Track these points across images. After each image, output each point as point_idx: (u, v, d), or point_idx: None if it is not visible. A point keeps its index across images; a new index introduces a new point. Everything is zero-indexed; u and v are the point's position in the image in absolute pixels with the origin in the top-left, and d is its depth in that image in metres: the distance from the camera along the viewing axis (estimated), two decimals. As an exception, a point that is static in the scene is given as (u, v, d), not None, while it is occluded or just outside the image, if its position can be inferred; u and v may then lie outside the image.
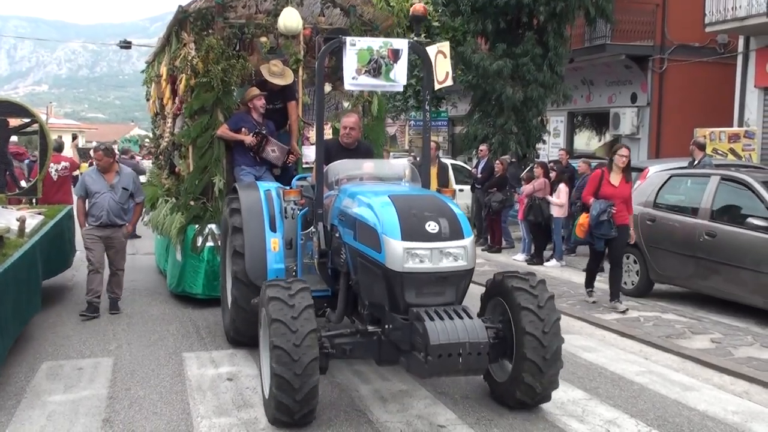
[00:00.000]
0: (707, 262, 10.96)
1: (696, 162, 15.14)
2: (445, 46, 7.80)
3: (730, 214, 11.26)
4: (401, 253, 6.21)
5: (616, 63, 26.24)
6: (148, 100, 14.60)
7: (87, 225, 10.66)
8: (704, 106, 24.88)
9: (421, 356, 5.99)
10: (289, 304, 6.28)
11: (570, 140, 30.12)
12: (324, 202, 7.69)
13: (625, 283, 12.82)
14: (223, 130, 10.54)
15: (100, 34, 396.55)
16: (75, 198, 11.11)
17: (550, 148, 28.14)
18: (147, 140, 20.88)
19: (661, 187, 12.71)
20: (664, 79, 25.83)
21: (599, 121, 29.02)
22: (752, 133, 21.55)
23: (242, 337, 8.76)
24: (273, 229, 8.44)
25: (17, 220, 9.86)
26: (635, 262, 12.74)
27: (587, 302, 11.93)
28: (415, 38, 7.73)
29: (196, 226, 10.78)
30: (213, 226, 10.69)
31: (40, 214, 11.49)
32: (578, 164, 18.07)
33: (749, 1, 21.41)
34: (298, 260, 8.06)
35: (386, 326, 6.51)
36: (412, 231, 6.30)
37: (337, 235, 7.32)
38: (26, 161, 16.83)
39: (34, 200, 13.38)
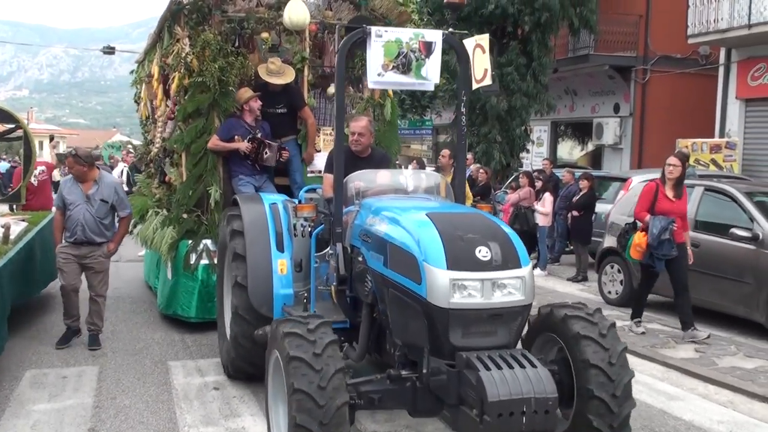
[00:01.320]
0: (691, 272, 10.16)
1: None
2: (485, 39, 6.44)
3: (714, 224, 11.02)
4: (447, 286, 4.90)
5: (599, 73, 25.41)
6: (137, 102, 12.99)
7: (62, 242, 8.96)
8: (686, 117, 24.07)
9: (474, 414, 4.68)
10: (309, 340, 4.97)
11: (553, 150, 29.28)
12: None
13: (609, 292, 12.73)
14: (215, 143, 9.05)
15: (82, 38, 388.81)
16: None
17: (534, 158, 27.21)
18: (130, 146, 18.99)
19: None
20: (646, 90, 25.02)
21: (582, 131, 28.14)
22: (733, 144, 21.04)
23: (243, 373, 7.46)
24: (280, 248, 7.05)
25: (1, 227, 9.40)
26: (620, 271, 12.48)
27: (634, 334, 10.15)
28: (450, 30, 6.26)
29: (189, 241, 9.25)
30: (208, 242, 9.20)
31: (23, 220, 10.64)
32: (562, 174, 17.55)
33: (731, 14, 20.77)
34: (311, 286, 6.65)
35: (424, 371, 5.15)
36: (459, 258, 4.99)
37: (360, 258, 5.98)
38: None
39: (14, 207, 12.58)
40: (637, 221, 9.94)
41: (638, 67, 25.10)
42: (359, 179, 6.65)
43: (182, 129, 9.19)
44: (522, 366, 4.76)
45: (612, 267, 12.56)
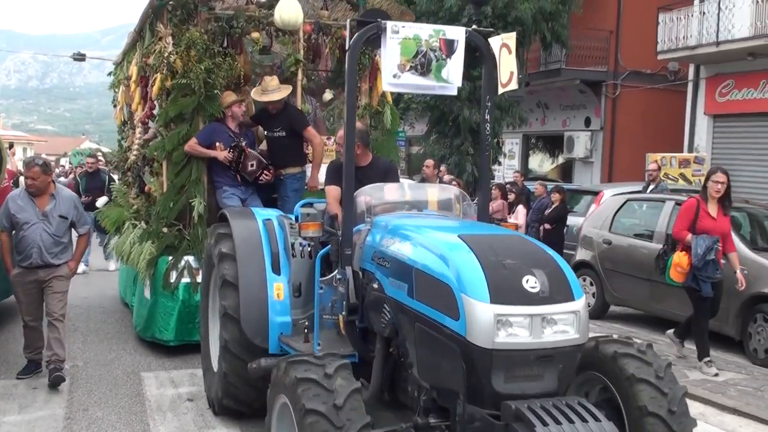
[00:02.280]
0: (662, 285, 9.76)
1: (654, 186, 14.33)
2: (511, 38, 5.53)
3: None
4: (491, 322, 4.01)
5: (570, 87, 24.77)
6: (115, 106, 11.82)
7: (15, 268, 7.53)
8: (656, 132, 23.50)
9: (528, 478, 3.76)
10: (328, 389, 4.08)
11: (525, 162, 28.52)
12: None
13: (581, 305, 11.93)
14: (193, 146, 8.04)
15: (51, 44, 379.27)
16: None
17: (505, 170, 26.41)
18: (100, 153, 17.57)
19: (617, 211, 12.06)
20: (617, 104, 24.44)
21: (553, 144, 27.45)
22: (702, 159, 20.45)
23: (232, 411, 6.45)
24: (276, 270, 6.06)
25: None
26: (592, 284, 12.09)
27: (706, 377, 8.59)
28: (474, 27, 5.32)
29: (170, 257, 8.16)
30: (190, 259, 8.14)
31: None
32: (534, 186, 17.02)
33: (700, 31, 20.55)
34: (315, 315, 5.65)
35: (457, 419, 4.25)
36: (504, 289, 4.10)
37: (374, 285, 5.06)
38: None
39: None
40: (675, 240, 8.79)
41: (609, 81, 24.55)
42: (368, 193, 5.70)
43: (163, 135, 8.15)
44: (583, 420, 3.88)
45: (584, 280, 12.05)
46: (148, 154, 8.61)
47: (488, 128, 5.59)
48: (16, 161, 14.48)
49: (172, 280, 8.05)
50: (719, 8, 19.76)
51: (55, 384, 7.30)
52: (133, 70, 9.20)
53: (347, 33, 5.29)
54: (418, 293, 4.47)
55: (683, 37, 21.09)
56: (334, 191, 6.24)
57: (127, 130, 10.75)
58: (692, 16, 20.90)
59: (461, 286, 4.12)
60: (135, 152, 9.48)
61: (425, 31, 5.29)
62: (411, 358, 4.66)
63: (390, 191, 5.88)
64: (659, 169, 15.59)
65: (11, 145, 16.06)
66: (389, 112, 8.79)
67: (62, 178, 22.73)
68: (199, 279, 7.99)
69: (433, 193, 6.04)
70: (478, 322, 4.01)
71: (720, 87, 21.01)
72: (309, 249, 6.02)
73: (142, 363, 8.33)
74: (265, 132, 8.38)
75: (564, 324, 4.17)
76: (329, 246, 5.54)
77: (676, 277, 8.55)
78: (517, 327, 4.06)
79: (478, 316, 4.02)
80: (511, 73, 5.60)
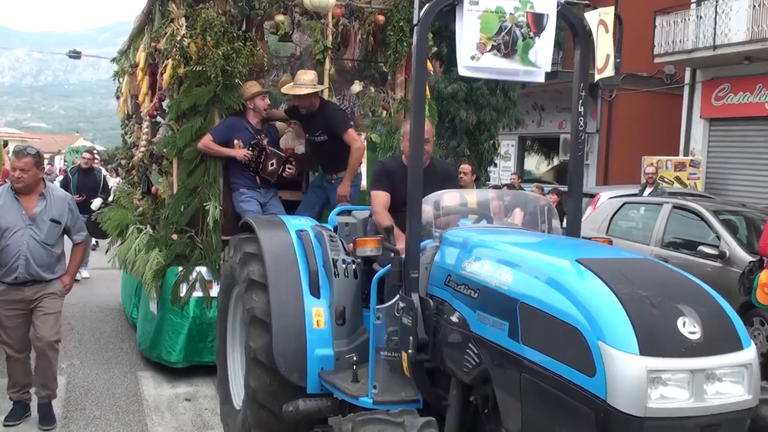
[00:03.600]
0: None
1: (652, 189, 13.91)
2: (609, 14, 4.29)
3: (682, 242, 10.28)
4: (642, 381, 2.85)
5: (566, 90, 23.31)
6: (118, 98, 10.34)
7: None
8: (651, 135, 22.37)
9: None
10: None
11: (520, 164, 27.28)
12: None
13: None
14: (207, 143, 6.72)
15: (45, 42, 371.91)
16: None
17: (501, 172, 25.27)
18: (95, 151, 15.48)
19: (614, 214, 11.52)
20: (613, 107, 23.31)
21: (549, 146, 26.32)
22: (697, 162, 20.03)
23: None
24: (315, 292, 4.78)
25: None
26: None
27: None
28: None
29: (180, 268, 6.84)
30: (203, 270, 6.85)
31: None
32: (531, 188, 15.80)
33: (696, 35, 19.83)
34: (370, 352, 4.39)
35: None
36: (657, 336, 2.95)
37: (452, 318, 3.84)
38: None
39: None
40: (763, 257, 7.50)
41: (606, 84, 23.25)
42: (430, 202, 4.46)
43: (175, 130, 6.84)
44: None
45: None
46: (157, 151, 7.23)
47: (582, 123, 4.42)
48: (7, 158, 12.87)
49: (182, 294, 6.76)
50: (716, 12, 19.14)
51: (45, 422, 5.85)
52: (141, 57, 7.86)
53: (415, 5, 4.03)
54: (527, 336, 3.26)
55: (680, 41, 20.33)
56: (382, 197, 5.02)
57: (132, 124, 9.37)
58: (689, 19, 20.24)
59: (597, 331, 2.93)
60: (142, 149, 8.11)
61: (510, 2, 4.08)
62: (509, 416, 3.43)
63: (455, 198, 4.65)
64: (657, 172, 14.98)
65: (5, 144, 14.53)
66: (427, 108, 7.37)
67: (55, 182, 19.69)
68: (213, 293, 6.74)
69: (517, 201, 4.80)
70: (624, 380, 2.84)
71: (716, 91, 20.33)
72: (354, 266, 4.76)
73: (139, 362, 7.73)
74: (306, 135, 7.12)
75: (732, 381, 3.00)
76: (388, 266, 4.28)
77: (763, 300, 7.20)
78: (673, 386, 2.89)
79: (624, 372, 2.84)
80: (608, 56, 4.43)
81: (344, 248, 4.90)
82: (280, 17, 7.01)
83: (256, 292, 4.89)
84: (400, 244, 4.38)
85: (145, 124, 7.98)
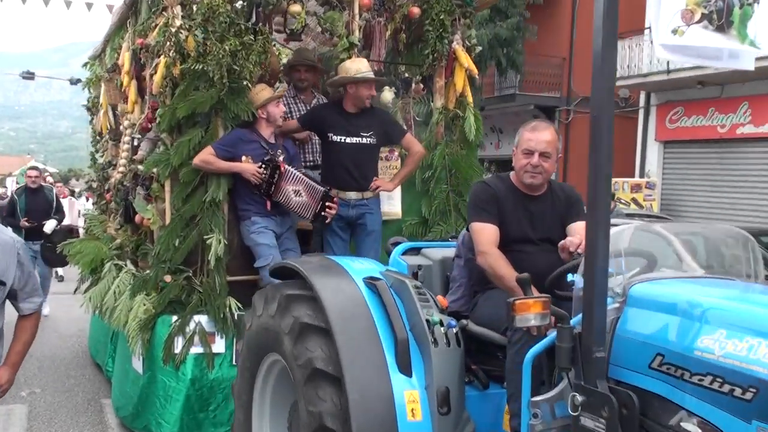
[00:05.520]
0: None
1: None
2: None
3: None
4: None
5: (524, 112, 22.43)
6: (89, 109, 8.39)
7: None
8: (608, 157, 21.20)
9: None
10: None
11: (480, 186, 25.95)
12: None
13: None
14: (206, 158, 4.94)
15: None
16: None
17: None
18: (47, 173, 12.53)
19: None
20: (570, 130, 22.18)
21: (508, 168, 24.16)
22: (653, 184, 19.32)
23: None
24: (405, 369, 3.11)
25: None
26: None
27: None
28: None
29: (174, 318, 5.00)
30: (203, 319, 5.00)
31: None
32: None
33: (651, 60, 19.03)
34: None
35: None
36: None
37: (687, 427, 2.17)
38: None
39: None
40: None
41: (562, 107, 22.33)
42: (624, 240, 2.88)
43: (168, 144, 5.04)
44: None
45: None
46: (144, 171, 5.37)
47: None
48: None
49: (177, 351, 4.93)
50: None
51: None
52: (125, 57, 5.97)
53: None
54: None
55: (635, 65, 19.71)
56: (490, 232, 3.41)
57: (105, 141, 7.40)
58: (643, 44, 19.44)
59: None
60: (121, 168, 6.21)
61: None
62: None
63: (631, 236, 3.03)
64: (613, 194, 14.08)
65: None
66: (473, 119, 5.80)
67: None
68: (216, 348, 4.98)
69: (698, 237, 3.20)
70: None
71: (670, 114, 19.62)
72: (456, 330, 3.10)
73: (103, 389, 6.95)
74: (332, 136, 5.26)
75: None
76: (548, 338, 2.63)
77: None
78: None
79: None
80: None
81: (436, 304, 3.24)
82: (295, 7, 5.30)
83: (312, 339, 3.27)
84: None
85: (126, 139, 6.08)
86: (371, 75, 5.23)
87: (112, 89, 6.71)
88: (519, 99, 22.11)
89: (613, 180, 18.31)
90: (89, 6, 15.98)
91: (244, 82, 4.95)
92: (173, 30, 4.84)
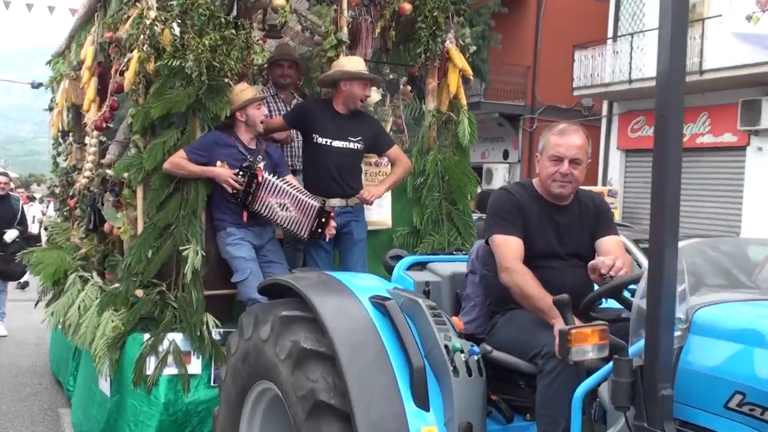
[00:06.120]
0: None
1: None
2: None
3: None
4: None
5: (489, 120, 22.23)
6: (51, 109, 7.66)
7: None
8: (571, 165, 21.09)
9: None
10: None
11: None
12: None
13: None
14: (177, 162, 4.44)
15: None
16: None
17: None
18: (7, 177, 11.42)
19: None
20: (534, 138, 21.94)
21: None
22: (615, 193, 19.25)
23: None
24: (422, 402, 2.67)
25: None
26: None
27: None
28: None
29: (146, 336, 4.47)
30: (177, 338, 4.47)
31: None
32: None
33: (613, 69, 19.20)
34: None
35: None
36: None
37: None
38: None
39: None
40: None
41: (526, 115, 22.08)
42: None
43: (140, 147, 4.51)
44: None
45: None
46: (115, 176, 4.81)
47: None
48: None
49: (149, 372, 4.40)
50: (631, 47, 18.68)
51: None
52: (88, 52, 5.40)
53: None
54: None
55: (597, 75, 19.67)
56: (515, 246, 2.99)
57: (69, 144, 6.79)
58: (606, 54, 19.65)
59: None
60: (87, 173, 5.61)
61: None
62: None
63: (697, 251, 2.64)
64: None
65: None
66: (467, 123, 5.38)
67: None
68: (191, 369, 4.48)
69: (731, 253, 2.82)
70: None
71: (632, 123, 19.63)
72: (477, 358, 2.68)
73: (60, 399, 6.68)
74: (318, 138, 4.81)
75: None
76: (602, 371, 2.21)
77: None
78: None
79: None
80: None
81: (453, 327, 2.81)
82: (279, 1, 4.81)
83: (314, 367, 2.83)
84: (562, 326, 2.37)
85: (93, 141, 5.51)
86: (368, 73, 4.83)
87: (77, 88, 6.11)
88: (484, 107, 21.77)
89: (576, 188, 18.55)
90: (51, 9, 15.27)
91: (225, 80, 4.45)
92: (147, 22, 4.34)
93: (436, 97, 5.32)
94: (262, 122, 4.70)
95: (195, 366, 4.52)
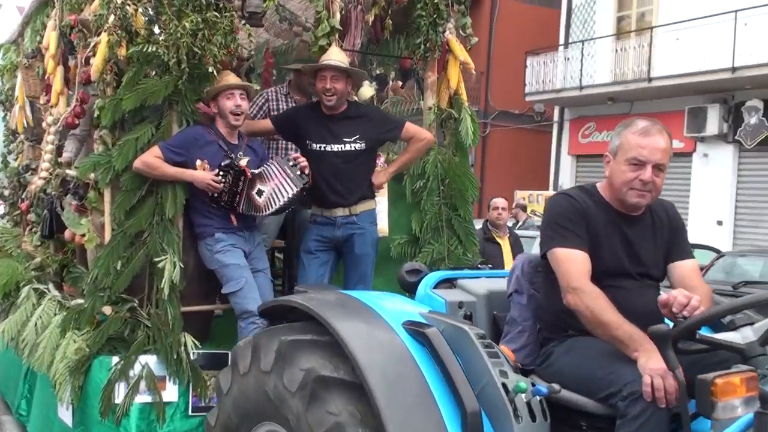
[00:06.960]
0: None
1: (521, 223, 13.43)
2: None
3: None
4: None
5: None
6: (4, 105, 6.86)
7: None
8: (523, 170, 21.04)
9: None
10: None
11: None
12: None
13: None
14: (149, 161, 3.79)
15: None
16: None
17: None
18: None
19: None
20: (486, 143, 21.79)
21: None
22: None
23: None
24: None
25: None
26: None
27: None
28: None
29: (115, 359, 3.78)
30: (151, 361, 3.80)
31: None
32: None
33: (564, 76, 19.21)
34: None
35: None
36: None
37: None
38: None
39: None
40: None
41: (479, 120, 21.56)
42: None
43: (108, 143, 3.86)
44: None
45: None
46: (79, 177, 4.12)
47: None
48: None
49: (119, 400, 3.74)
50: (582, 55, 18.76)
51: None
52: (51, 38, 4.65)
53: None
54: None
55: (549, 81, 19.50)
56: (580, 261, 2.46)
57: (20, 142, 6.01)
58: (558, 61, 19.63)
59: None
60: (43, 174, 4.82)
61: None
62: None
63: None
64: (514, 207, 14.36)
65: None
66: (469, 121, 4.82)
67: None
68: (166, 396, 3.85)
69: None
70: None
71: (582, 129, 19.67)
72: (540, 399, 2.16)
73: (1, 406, 5.86)
74: (311, 144, 4.20)
75: None
76: (740, 424, 1.72)
77: None
78: None
79: None
80: None
81: (508, 361, 2.28)
82: (265, -16, 4.22)
83: (335, 398, 2.31)
84: (654, 362, 1.89)
85: (50, 138, 4.79)
86: (334, 63, 4.11)
87: (31, 79, 5.35)
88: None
89: (527, 192, 18.48)
90: (-3, 7, 14.44)
91: (208, 69, 3.83)
92: (118, 2, 3.70)
93: (435, 92, 4.79)
94: (236, 115, 4.04)
95: (171, 393, 3.87)
